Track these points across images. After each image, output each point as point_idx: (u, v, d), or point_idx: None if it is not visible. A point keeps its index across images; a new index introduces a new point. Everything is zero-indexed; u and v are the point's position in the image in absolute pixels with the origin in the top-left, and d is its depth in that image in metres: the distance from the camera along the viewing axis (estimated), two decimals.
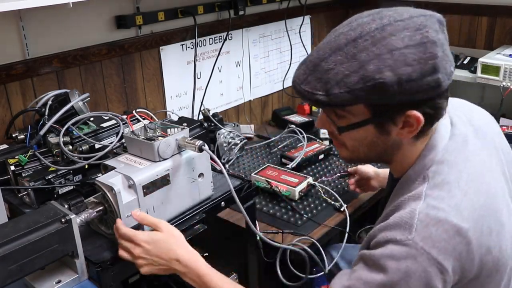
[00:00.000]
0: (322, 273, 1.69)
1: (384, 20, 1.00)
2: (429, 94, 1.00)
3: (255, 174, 2.09)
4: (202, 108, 2.43)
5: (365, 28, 1.00)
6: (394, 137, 1.10)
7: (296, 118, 2.79)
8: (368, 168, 1.90)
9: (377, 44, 0.98)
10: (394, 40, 0.97)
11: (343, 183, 2.10)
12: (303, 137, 2.43)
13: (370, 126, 1.08)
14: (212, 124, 2.30)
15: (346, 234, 1.81)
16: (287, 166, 2.21)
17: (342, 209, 1.88)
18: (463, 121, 1.19)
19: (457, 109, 1.23)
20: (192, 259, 1.21)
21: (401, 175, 1.16)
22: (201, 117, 2.44)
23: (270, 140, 2.53)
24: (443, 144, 1.11)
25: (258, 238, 1.52)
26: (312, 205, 1.94)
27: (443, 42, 1.01)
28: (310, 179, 2.01)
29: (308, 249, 1.61)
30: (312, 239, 1.73)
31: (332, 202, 1.93)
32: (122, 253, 1.21)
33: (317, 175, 2.20)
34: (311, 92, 1.04)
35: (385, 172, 1.84)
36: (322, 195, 1.97)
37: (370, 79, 0.97)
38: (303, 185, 1.98)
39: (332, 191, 1.98)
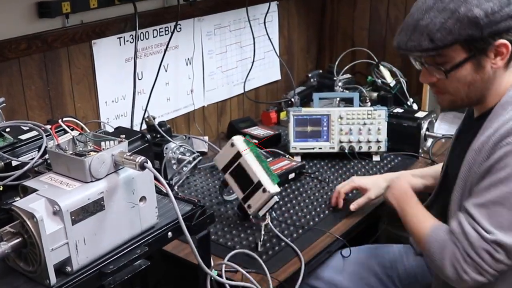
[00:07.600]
0: None
1: None
2: (509, 23, 1.52)
3: None
4: (146, 116, 2.44)
5: None
6: (488, 71, 1.60)
7: (258, 131, 2.76)
8: (364, 179, 2.17)
9: None
10: None
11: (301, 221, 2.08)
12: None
13: (468, 64, 1.59)
14: (158, 136, 2.31)
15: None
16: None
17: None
18: None
19: None
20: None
21: (483, 111, 1.68)
22: (144, 126, 2.45)
23: None
24: None
25: (211, 278, 1.54)
26: (270, 252, 1.90)
27: None
28: (263, 224, 1.95)
29: None
30: (278, 280, 1.76)
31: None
32: None
33: (286, 199, 2.22)
34: (417, 44, 1.58)
35: (384, 176, 2.20)
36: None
37: (464, 18, 1.50)
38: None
39: (290, 230, 1.98)
